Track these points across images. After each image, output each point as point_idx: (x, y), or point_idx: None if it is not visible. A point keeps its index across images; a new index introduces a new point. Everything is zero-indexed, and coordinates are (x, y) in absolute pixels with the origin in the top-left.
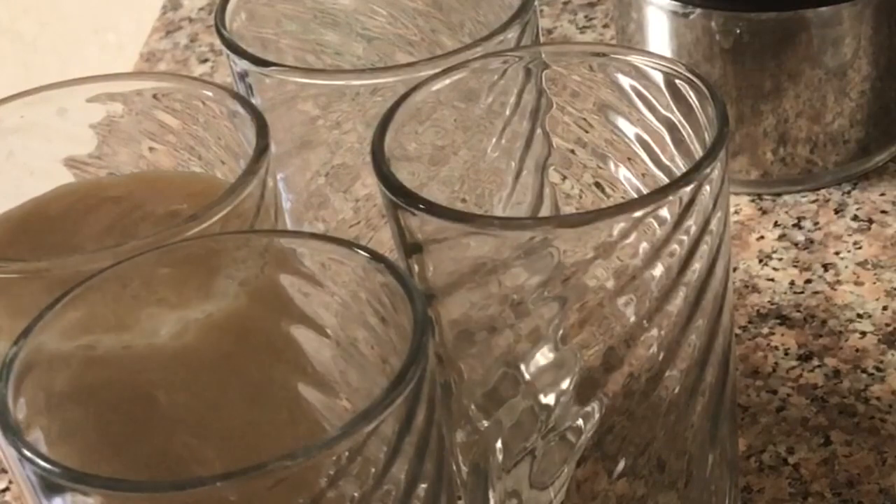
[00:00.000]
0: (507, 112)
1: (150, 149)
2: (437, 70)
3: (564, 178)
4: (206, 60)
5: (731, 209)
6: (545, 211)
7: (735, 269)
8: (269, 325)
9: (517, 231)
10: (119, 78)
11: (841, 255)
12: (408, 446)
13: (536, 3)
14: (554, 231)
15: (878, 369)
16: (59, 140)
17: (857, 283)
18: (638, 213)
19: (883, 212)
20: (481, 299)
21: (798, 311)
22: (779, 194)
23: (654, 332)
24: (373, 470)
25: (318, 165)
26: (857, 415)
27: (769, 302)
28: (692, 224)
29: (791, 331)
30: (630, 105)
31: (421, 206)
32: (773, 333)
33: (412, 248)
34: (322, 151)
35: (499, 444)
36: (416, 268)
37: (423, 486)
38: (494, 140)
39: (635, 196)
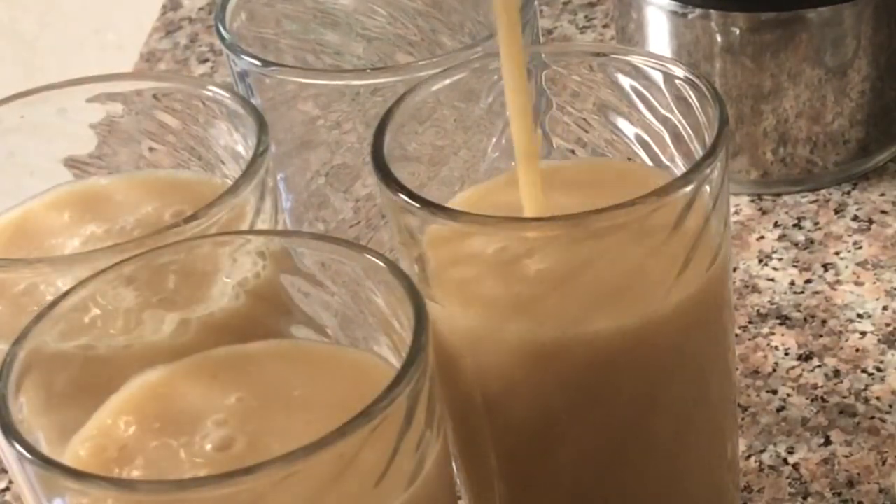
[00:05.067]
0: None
1: (150, 149)
2: (437, 70)
3: None
4: (206, 60)
5: (731, 209)
6: None
7: (735, 269)
8: (269, 324)
9: (517, 231)
10: (119, 78)
11: (841, 255)
12: (408, 446)
13: (536, 3)
14: (554, 230)
15: (878, 369)
16: (59, 140)
17: (857, 283)
18: (638, 213)
19: (883, 212)
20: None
21: (798, 311)
22: (779, 194)
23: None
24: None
25: (318, 165)
26: (857, 415)
27: (769, 302)
28: (692, 224)
29: (791, 331)
30: (630, 105)
31: (421, 206)
32: (773, 333)
33: (412, 248)
34: (322, 151)
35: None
36: (416, 268)
37: (424, 485)
38: (494, 140)
39: None
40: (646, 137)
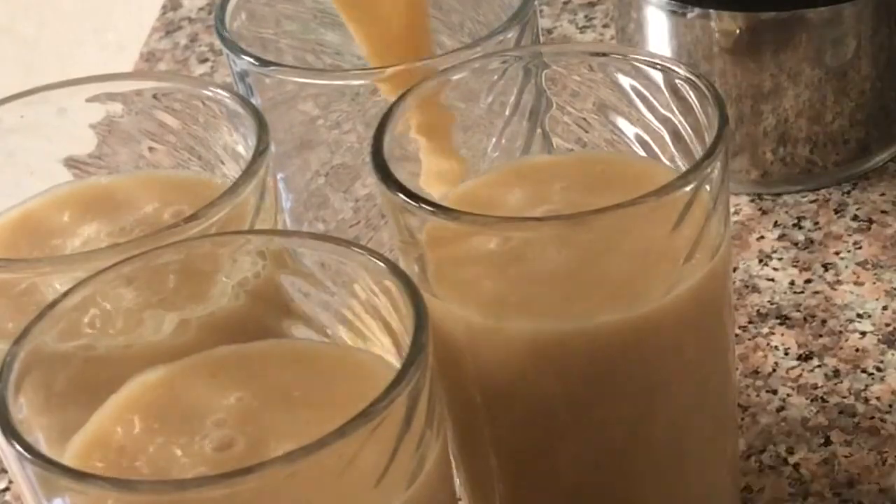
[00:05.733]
0: (507, 112)
1: (150, 149)
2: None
3: None
4: (206, 60)
5: (731, 209)
6: None
7: (735, 269)
8: (269, 324)
9: (517, 230)
10: (119, 78)
11: (841, 255)
12: (408, 446)
13: (536, 3)
14: (554, 230)
15: (878, 369)
16: (59, 140)
17: (857, 283)
18: (638, 213)
19: (883, 212)
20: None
21: (798, 311)
22: (779, 194)
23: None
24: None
25: (318, 165)
26: (857, 415)
27: (769, 302)
28: (692, 224)
29: (791, 331)
30: (630, 105)
31: (421, 205)
32: (773, 333)
33: (412, 248)
34: (322, 151)
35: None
36: (416, 267)
37: (424, 485)
38: (494, 140)
39: None
40: (646, 137)
